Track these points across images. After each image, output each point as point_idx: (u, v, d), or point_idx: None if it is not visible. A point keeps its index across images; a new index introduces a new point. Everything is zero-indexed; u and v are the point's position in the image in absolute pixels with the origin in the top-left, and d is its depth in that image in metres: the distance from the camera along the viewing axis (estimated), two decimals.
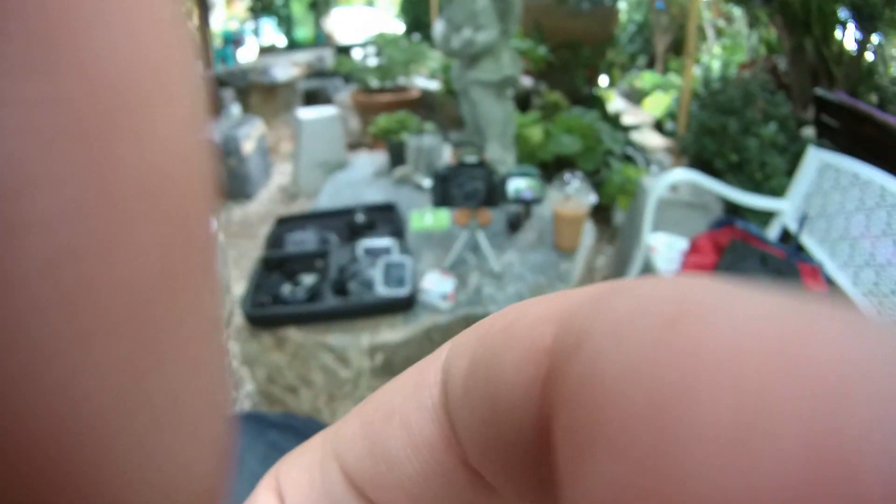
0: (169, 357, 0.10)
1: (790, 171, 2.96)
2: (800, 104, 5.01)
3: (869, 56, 5.38)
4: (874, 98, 5.09)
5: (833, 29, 5.01)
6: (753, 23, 7.54)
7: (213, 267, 0.12)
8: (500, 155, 2.73)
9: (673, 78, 7.98)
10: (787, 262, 2.34)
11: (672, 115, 5.95)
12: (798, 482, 0.07)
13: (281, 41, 9.13)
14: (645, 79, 8.33)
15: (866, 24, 4.81)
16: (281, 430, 0.94)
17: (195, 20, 7.43)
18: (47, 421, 0.08)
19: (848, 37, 5.23)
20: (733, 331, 0.08)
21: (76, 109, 0.08)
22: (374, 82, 5.17)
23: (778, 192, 3.08)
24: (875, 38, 5.19)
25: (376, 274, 1.85)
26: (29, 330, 0.08)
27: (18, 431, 0.08)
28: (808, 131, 3.89)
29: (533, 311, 0.12)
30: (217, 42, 7.39)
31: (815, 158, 2.60)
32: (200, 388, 0.11)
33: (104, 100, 0.08)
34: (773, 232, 2.71)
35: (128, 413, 0.09)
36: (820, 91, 3.89)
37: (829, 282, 2.38)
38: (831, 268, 2.37)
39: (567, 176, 2.15)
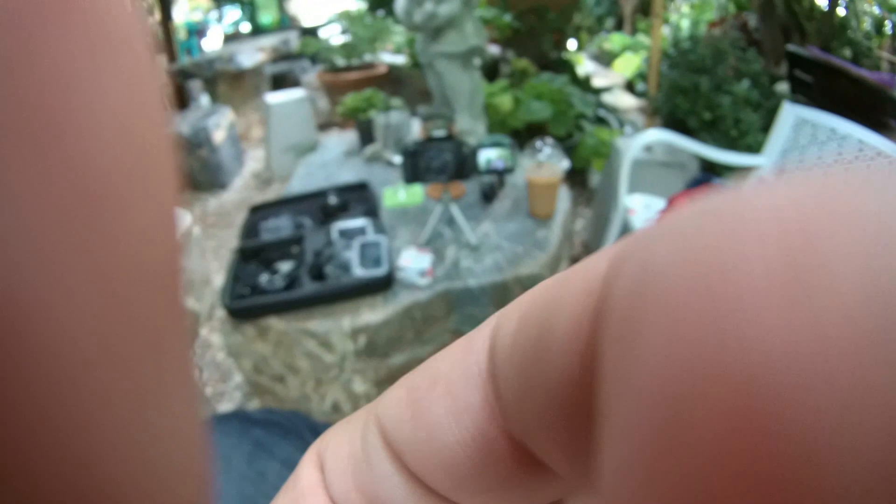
0: (157, 422, 0.10)
1: (765, 127, 2.96)
2: (772, 60, 5.01)
3: (841, 11, 5.39)
4: (847, 53, 5.11)
5: None
6: None
7: (185, 319, 0.11)
8: (469, 126, 2.72)
9: (642, 38, 7.98)
10: None
11: (643, 75, 5.95)
12: (864, 325, 0.07)
13: (245, 27, 9.05)
14: (614, 40, 8.32)
15: None
16: (265, 426, 0.93)
17: (157, 14, 7.36)
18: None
19: None
20: (773, 194, 0.08)
21: (66, 204, 0.08)
22: (340, 61, 5.14)
23: (754, 148, 3.08)
24: None
25: (352, 255, 1.84)
26: (31, 410, 0.08)
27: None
28: (782, 87, 3.90)
29: (589, 259, 0.12)
30: (181, 34, 7.30)
31: (791, 114, 2.59)
32: (184, 450, 0.11)
33: (94, 193, 0.09)
34: None
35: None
36: (792, 47, 3.88)
37: None
38: None
39: (539, 143, 2.14)
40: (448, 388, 0.15)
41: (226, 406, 2.64)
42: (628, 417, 0.08)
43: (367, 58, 5.17)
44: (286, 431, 0.93)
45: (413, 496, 0.16)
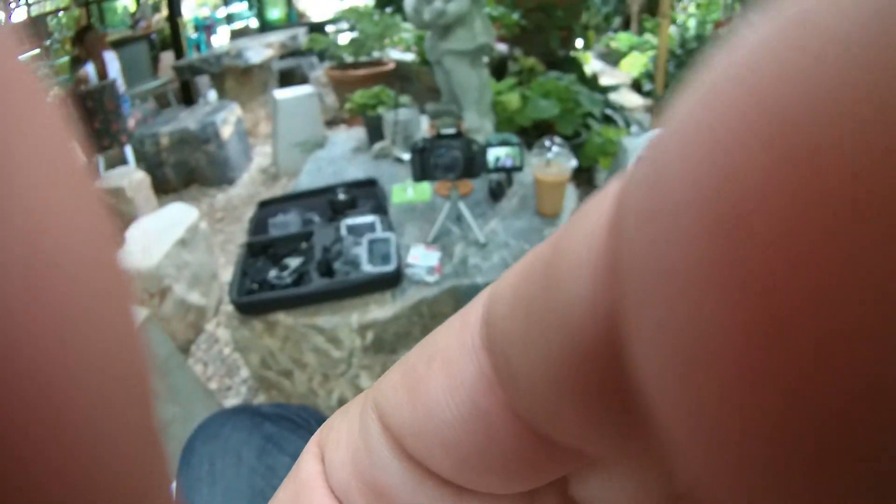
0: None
1: None
2: None
3: None
4: None
5: None
6: None
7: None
8: (478, 123, 2.72)
9: (649, 38, 7.96)
10: None
11: (649, 74, 5.94)
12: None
13: (253, 23, 9.05)
14: (621, 39, 8.31)
15: None
16: (275, 421, 0.94)
17: (165, 10, 7.37)
18: None
19: None
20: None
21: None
22: (348, 58, 5.14)
23: None
24: None
25: (361, 252, 1.84)
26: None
27: None
28: None
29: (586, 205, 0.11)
30: (189, 30, 7.31)
31: None
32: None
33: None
34: None
35: None
36: None
37: None
38: None
39: (547, 141, 2.14)
40: (444, 365, 0.14)
41: (232, 401, 2.65)
42: (665, 285, 0.08)
43: (375, 54, 5.17)
44: (296, 426, 0.94)
45: (413, 481, 0.16)
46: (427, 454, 0.15)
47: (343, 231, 1.96)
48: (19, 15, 5.60)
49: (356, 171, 2.73)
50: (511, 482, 0.14)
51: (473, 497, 0.15)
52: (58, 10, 6.19)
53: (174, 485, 0.85)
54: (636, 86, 6.79)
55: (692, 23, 8.06)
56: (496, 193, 2.27)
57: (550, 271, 0.11)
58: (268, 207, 2.36)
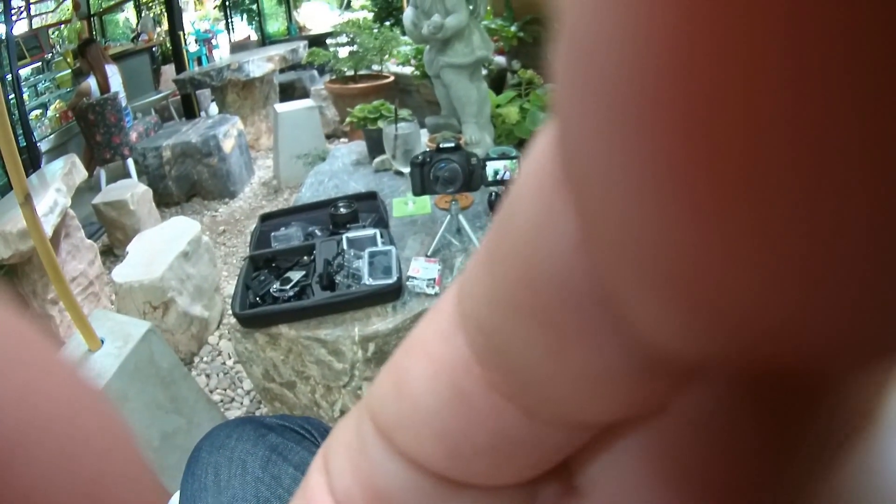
0: None
1: None
2: None
3: None
4: None
5: None
6: None
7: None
8: (477, 136, 2.74)
9: None
10: None
11: None
12: None
13: (253, 37, 9.08)
14: None
15: None
16: (279, 432, 0.95)
17: (165, 24, 7.39)
18: None
19: None
20: None
21: None
22: (348, 71, 5.16)
23: None
24: None
25: (362, 265, 1.86)
26: None
27: None
28: None
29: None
30: (190, 44, 7.34)
31: None
32: None
33: None
34: None
35: None
36: None
37: None
38: None
39: None
40: (423, 354, 0.14)
41: (235, 412, 2.66)
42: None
43: (375, 68, 5.19)
44: (300, 437, 0.95)
45: (410, 480, 0.15)
46: (418, 447, 0.15)
47: (344, 244, 1.98)
48: (21, 27, 5.61)
49: (357, 184, 2.75)
50: (502, 468, 0.14)
51: (473, 493, 0.15)
52: (60, 23, 6.20)
53: (177, 495, 0.87)
54: None
55: None
56: (495, 206, 2.29)
57: (504, 223, 0.11)
58: (270, 221, 2.38)
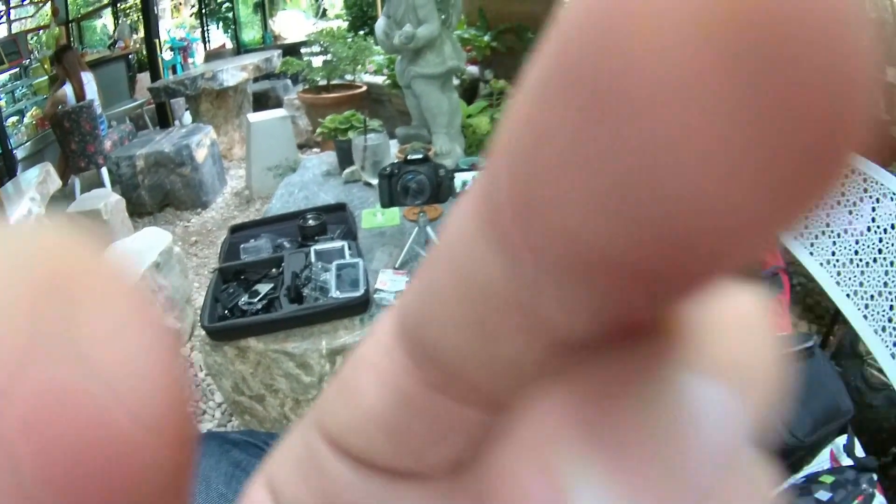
0: None
1: None
2: None
3: None
4: None
5: None
6: None
7: None
8: (447, 147, 2.75)
9: None
10: None
11: None
12: None
13: (229, 45, 9.05)
14: None
15: None
16: (243, 448, 0.95)
17: (141, 31, 7.36)
18: None
19: None
20: None
21: None
22: (321, 80, 5.16)
23: None
24: None
25: (330, 278, 1.86)
26: None
27: None
28: None
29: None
30: (165, 52, 7.32)
31: None
32: None
33: None
34: None
35: None
36: None
37: (785, 251, 2.42)
38: (786, 238, 2.39)
39: None
40: (368, 366, 0.16)
41: (207, 425, 2.65)
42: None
43: (348, 77, 5.19)
44: (264, 453, 0.95)
45: (362, 481, 0.16)
46: (369, 446, 0.16)
47: (312, 257, 1.98)
48: (0, 31, 5.58)
49: (327, 195, 2.75)
50: (441, 453, 0.16)
51: (418, 489, 0.16)
52: (38, 28, 6.17)
53: None
54: None
55: None
56: None
57: (440, 252, 0.14)
58: (239, 232, 2.37)
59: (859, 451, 1.69)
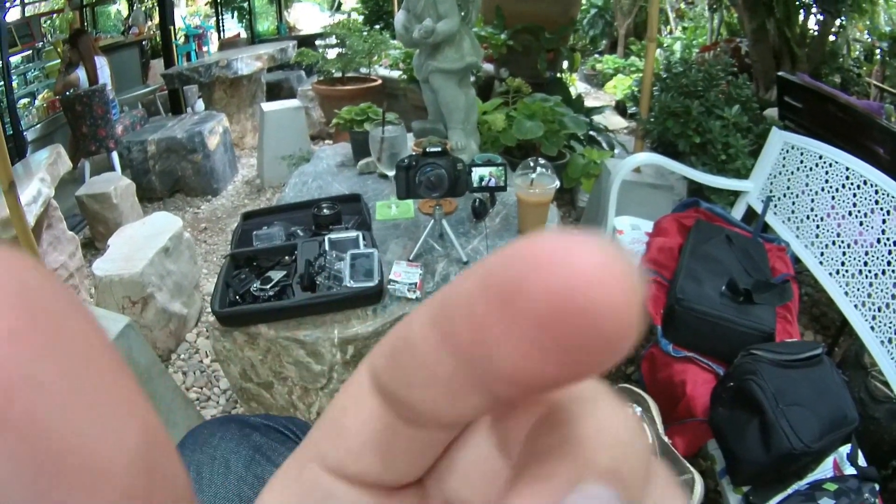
0: None
1: (754, 152, 2.99)
2: (763, 86, 5.05)
3: (832, 38, 5.43)
4: (837, 79, 5.15)
5: (796, 11, 5.04)
6: (715, 5, 7.60)
7: None
8: (463, 142, 2.75)
9: (634, 60, 8.03)
10: (752, 241, 2.38)
11: (634, 97, 5.98)
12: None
13: (243, 35, 9.06)
14: (607, 62, 8.37)
15: (829, 6, 4.85)
16: (264, 432, 0.95)
17: (156, 18, 7.37)
18: None
19: (810, 19, 5.28)
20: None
21: None
22: (336, 72, 5.16)
23: (742, 173, 3.12)
24: (837, 21, 5.25)
25: (344, 267, 1.86)
26: None
27: None
28: (772, 112, 3.93)
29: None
30: (180, 39, 7.32)
31: (779, 139, 2.62)
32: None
33: None
34: (738, 212, 2.74)
35: None
36: (783, 73, 3.92)
37: (796, 260, 2.42)
38: (797, 247, 2.39)
39: (531, 162, 2.17)
40: (353, 409, 0.21)
41: (211, 411, 2.65)
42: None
43: (363, 70, 5.19)
44: (285, 437, 0.95)
45: (361, 499, 0.21)
46: (365, 468, 0.21)
47: (326, 246, 1.98)
48: (13, 14, 5.58)
49: (341, 186, 2.75)
50: (421, 463, 0.21)
51: (403, 494, 0.22)
52: (52, 12, 6.17)
53: None
54: (620, 108, 6.85)
55: (678, 46, 8.14)
56: (479, 212, 2.30)
57: (401, 332, 0.19)
58: (252, 219, 2.36)
59: (862, 461, 1.69)
